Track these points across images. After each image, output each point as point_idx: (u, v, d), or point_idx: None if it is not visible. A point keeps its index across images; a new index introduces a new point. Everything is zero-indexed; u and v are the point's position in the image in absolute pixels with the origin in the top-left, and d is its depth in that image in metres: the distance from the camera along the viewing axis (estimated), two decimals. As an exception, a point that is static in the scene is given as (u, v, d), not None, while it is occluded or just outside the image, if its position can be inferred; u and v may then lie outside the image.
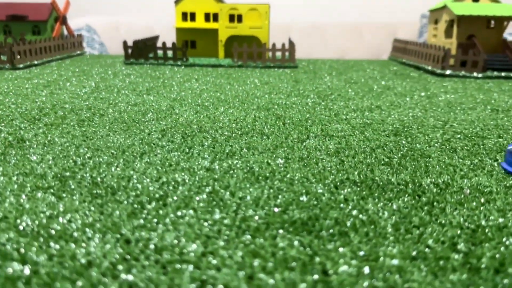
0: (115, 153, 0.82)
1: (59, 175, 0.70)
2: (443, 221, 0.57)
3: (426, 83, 1.68)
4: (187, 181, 0.69)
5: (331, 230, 0.54)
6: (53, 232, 0.53)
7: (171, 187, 0.67)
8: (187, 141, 0.90)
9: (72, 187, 0.66)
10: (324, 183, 0.69)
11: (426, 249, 0.51)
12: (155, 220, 0.56)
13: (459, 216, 0.59)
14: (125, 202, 0.62)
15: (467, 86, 1.62)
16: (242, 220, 0.57)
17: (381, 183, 0.69)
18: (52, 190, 0.65)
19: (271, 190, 0.66)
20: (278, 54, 2.39)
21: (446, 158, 0.82)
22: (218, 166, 0.76)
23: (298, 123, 1.05)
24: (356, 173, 0.73)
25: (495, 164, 0.79)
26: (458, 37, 2.02)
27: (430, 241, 0.52)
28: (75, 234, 0.52)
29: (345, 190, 0.66)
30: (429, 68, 1.97)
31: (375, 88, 1.55)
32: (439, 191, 0.67)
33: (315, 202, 0.62)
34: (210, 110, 1.19)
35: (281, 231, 0.54)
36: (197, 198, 0.63)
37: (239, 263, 0.47)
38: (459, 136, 0.97)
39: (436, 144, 0.90)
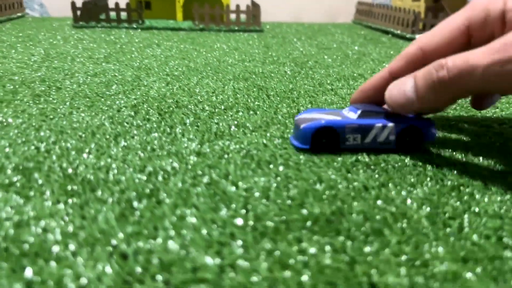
0: (83, 136, 0.70)
1: (21, 167, 0.58)
2: (477, 210, 0.51)
3: (399, 48, 1.63)
4: (178, 169, 0.59)
5: (362, 228, 0.47)
6: (26, 247, 0.42)
7: (160, 178, 0.57)
8: (166, 119, 0.79)
9: (40, 182, 0.55)
10: (334, 167, 0.61)
11: (474, 247, 0.44)
12: (152, 224, 0.47)
13: (492, 203, 0.53)
14: (109, 200, 0.51)
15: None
16: (255, 219, 0.48)
17: (396, 165, 0.62)
18: (15, 188, 0.53)
19: (278, 178, 0.57)
20: (243, 16, 2.26)
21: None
22: (210, 149, 0.66)
23: (283, 95, 0.96)
24: (365, 153, 0.66)
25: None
26: (427, 0, 1.97)
27: (474, 236, 0.46)
28: (55, 248, 0.42)
29: (360, 176, 0.59)
30: (398, 32, 1.91)
31: (351, 55, 1.48)
32: (461, 173, 0.60)
33: (333, 192, 0.54)
34: (182, 80, 1.07)
35: (304, 231, 0.46)
36: (195, 191, 0.53)
37: (268, 278, 0.39)
38: (454, 107, 0.92)
39: (435, 117, 0.85)
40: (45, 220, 0.46)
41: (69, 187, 0.54)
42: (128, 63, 1.25)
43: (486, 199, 0.54)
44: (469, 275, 0.40)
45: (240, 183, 0.55)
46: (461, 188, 0.57)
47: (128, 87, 0.99)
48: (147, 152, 0.64)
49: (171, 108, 0.85)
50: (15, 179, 0.55)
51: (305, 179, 0.57)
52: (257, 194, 0.53)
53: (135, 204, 0.50)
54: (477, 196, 0.54)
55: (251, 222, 0.47)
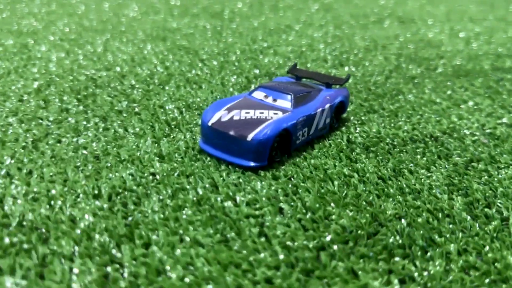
0: (-16, 146, 0.50)
1: None
2: (502, 190, 0.46)
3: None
4: (145, 187, 0.44)
5: (406, 241, 0.38)
6: None
7: (131, 205, 0.42)
8: (89, 106, 0.61)
9: None
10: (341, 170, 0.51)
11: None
12: None
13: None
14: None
15: None
16: (290, 250, 0.37)
17: (389, 145, 0.54)
18: None
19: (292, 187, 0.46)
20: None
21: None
22: (171, 147, 0.51)
23: (220, 59, 0.82)
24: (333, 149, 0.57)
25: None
26: None
27: (528, 230, 0.41)
28: None
29: (368, 165, 0.50)
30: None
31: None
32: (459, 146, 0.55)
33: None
34: (84, 46, 0.86)
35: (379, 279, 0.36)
36: (184, 216, 0.40)
37: None
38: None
39: None
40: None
41: (-1, 243, 0.36)
42: (2, 27, 0.98)
43: (503, 173, 0.49)
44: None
45: (239, 196, 0.43)
46: (474, 164, 0.51)
47: (18, 63, 0.76)
48: (90, 162, 0.48)
49: (90, 89, 0.67)
50: None
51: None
52: (269, 216, 0.41)
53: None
54: (493, 172, 0.49)
55: (283, 257, 0.36)
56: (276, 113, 0.50)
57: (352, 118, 0.61)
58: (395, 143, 0.55)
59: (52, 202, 0.41)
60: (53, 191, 0.43)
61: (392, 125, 0.59)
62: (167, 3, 1.26)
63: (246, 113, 0.50)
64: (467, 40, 1.02)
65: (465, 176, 0.48)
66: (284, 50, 0.88)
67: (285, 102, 0.52)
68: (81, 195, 0.43)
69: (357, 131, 0.57)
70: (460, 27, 1.13)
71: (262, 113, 0.50)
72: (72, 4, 1.21)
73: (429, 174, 0.48)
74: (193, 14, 1.14)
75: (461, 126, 0.60)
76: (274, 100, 0.53)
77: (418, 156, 0.52)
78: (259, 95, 0.54)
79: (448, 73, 0.80)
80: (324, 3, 1.34)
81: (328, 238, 0.38)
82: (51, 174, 0.46)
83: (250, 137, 0.47)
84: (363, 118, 0.61)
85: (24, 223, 0.39)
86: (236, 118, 0.50)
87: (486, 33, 1.08)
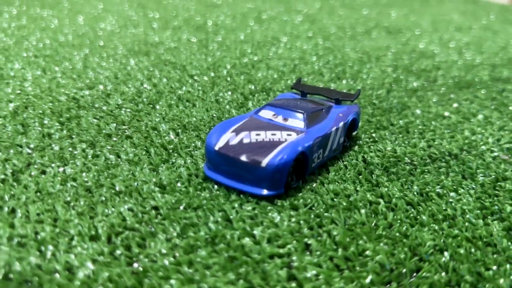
0: (-45, 180, 0.43)
1: None
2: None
3: None
4: (147, 227, 0.39)
5: (452, 276, 0.34)
6: None
7: (135, 248, 0.36)
8: (73, 130, 0.55)
9: None
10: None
11: None
12: None
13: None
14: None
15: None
16: None
17: (406, 165, 0.50)
18: None
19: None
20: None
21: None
22: (171, 175, 0.46)
23: (210, 75, 0.77)
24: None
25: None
26: None
27: None
28: None
29: (391, 188, 0.46)
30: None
31: (246, 10, 1.31)
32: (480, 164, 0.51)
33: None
34: (61, 62, 0.80)
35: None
36: (198, 259, 0.34)
37: None
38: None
39: (392, 86, 0.75)
40: None
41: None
42: (-34, 42, 0.90)
43: (534, 195, 0.45)
44: None
45: (258, 232, 0.38)
46: (501, 184, 0.47)
47: (-12, 82, 0.69)
48: (82, 196, 0.42)
49: (73, 110, 0.60)
50: None
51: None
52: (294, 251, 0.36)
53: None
54: (523, 192, 0.46)
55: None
56: (289, 134, 0.45)
57: (363, 136, 0.57)
58: (415, 162, 0.51)
59: (43, 248, 0.35)
60: (42, 234, 0.37)
61: (406, 142, 0.56)
62: (145, 15, 1.21)
63: (257, 135, 0.45)
64: (459, 50, 1.00)
65: (495, 198, 0.45)
66: (276, 64, 0.84)
67: (297, 122, 0.47)
68: (75, 237, 0.37)
69: (371, 150, 0.53)
70: (448, 37, 1.12)
71: (275, 134, 0.45)
72: (44, 17, 1.14)
73: (458, 197, 0.45)
74: (174, 27, 1.09)
75: (477, 142, 0.57)
76: (285, 119, 0.48)
77: (443, 177, 0.48)
78: (267, 114, 0.49)
79: (449, 85, 0.77)
80: (308, 15, 1.31)
81: (368, 279, 0.33)
82: (37, 212, 0.39)
83: (264, 162, 0.42)
84: (373, 135, 0.57)
85: (11, 275, 0.33)
86: (246, 141, 0.45)
87: (475, 43, 1.07)
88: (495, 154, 0.54)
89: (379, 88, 0.74)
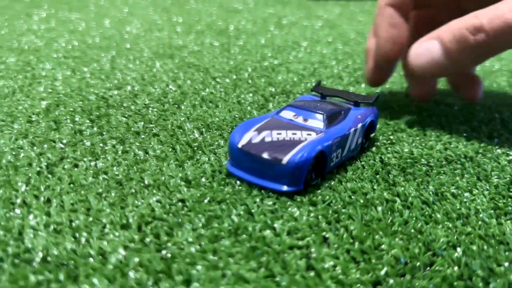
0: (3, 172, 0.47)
1: None
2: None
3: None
4: (173, 211, 0.41)
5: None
6: None
7: (164, 236, 0.38)
8: (103, 127, 0.58)
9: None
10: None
11: None
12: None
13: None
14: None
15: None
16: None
17: (422, 165, 0.52)
18: None
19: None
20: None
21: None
22: (196, 171, 0.48)
23: (232, 77, 0.79)
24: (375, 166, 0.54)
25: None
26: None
27: None
28: None
29: (408, 188, 0.47)
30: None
31: (267, 16, 1.33)
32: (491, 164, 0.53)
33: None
34: (90, 63, 0.83)
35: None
36: (222, 248, 0.37)
37: None
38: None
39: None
40: None
41: (24, 283, 0.33)
42: (2, 44, 0.94)
43: (548, 197, 0.47)
44: None
45: (278, 225, 0.40)
46: (515, 185, 0.49)
47: (23, 81, 0.73)
48: (113, 188, 0.44)
49: (102, 109, 0.63)
50: None
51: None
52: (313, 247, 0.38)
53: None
54: (538, 194, 0.47)
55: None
56: (309, 134, 0.47)
57: (380, 137, 0.59)
58: (431, 164, 0.52)
59: (77, 234, 0.38)
60: (77, 221, 0.39)
61: (423, 144, 0.57)
62: (169, 20, 1.24)
63: (278, 134, 0.47)
64: (478, 57, 1.00)
65: (509, 199, 0.46)
66: (296, 67, 0.86)
67: (317, 122, 0.49)
68: (107, 226, 0.39)
69: (389, 151, 0.55)
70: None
71: (295, 134, 0.47)
72: (72, 20, 1.18)
73: (472, 197, 0.46)
74: (198, 31, 1.12)
75: (493, 145, 0.58)
76: (305, 120, 0.50)
77: (458, 178, 0.49)
78: (288, 114, 0.51)
79: (467, 90, 0.78)
80: (328, 20, 1.33)
81: (383, 271, 0.35)
82: (71, 202, 0.42)
83: (285, 160, 0.44)
84: (391, 137, 0.59)
85: (49, 258, 0.35)
86: (267, 139, 0.47)
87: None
88: (510, 157, 0.55)
89: (398, 92, 0.76)
